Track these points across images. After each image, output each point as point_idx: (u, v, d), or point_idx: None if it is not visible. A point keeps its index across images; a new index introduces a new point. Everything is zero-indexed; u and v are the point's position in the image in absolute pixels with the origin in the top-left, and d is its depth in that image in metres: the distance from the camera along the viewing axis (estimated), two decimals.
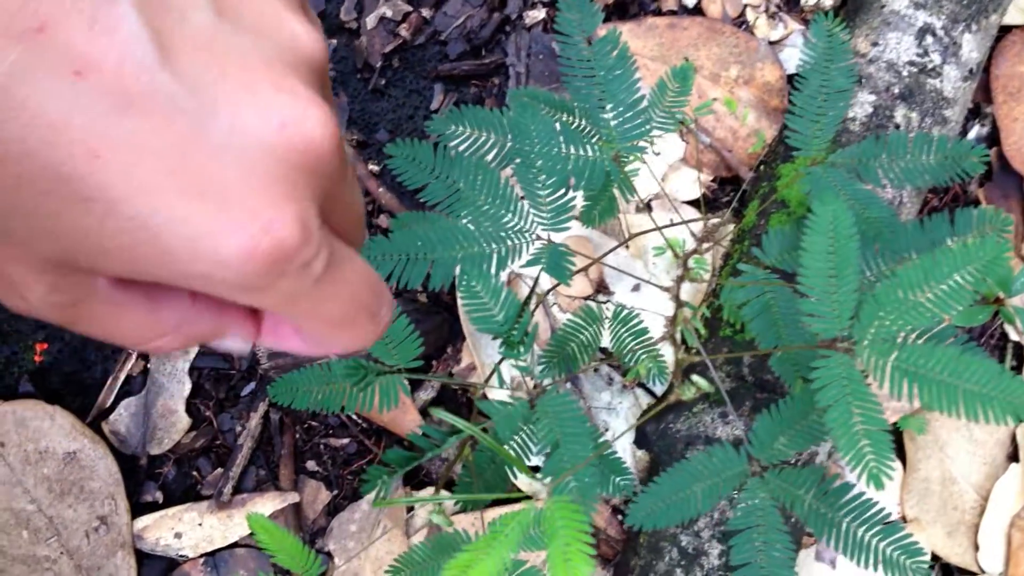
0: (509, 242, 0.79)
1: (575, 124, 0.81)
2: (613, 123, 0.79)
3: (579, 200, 0.84)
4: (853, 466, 0.61)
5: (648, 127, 0.80)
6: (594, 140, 0.80)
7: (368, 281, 0.42)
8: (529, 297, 0.79)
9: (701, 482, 0.76)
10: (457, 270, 0.79)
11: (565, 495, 0.61)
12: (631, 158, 0.80)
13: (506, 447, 0.81)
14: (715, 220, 0.89)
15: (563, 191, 0.78)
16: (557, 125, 0.78)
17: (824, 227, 0.62)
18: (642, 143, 0.81)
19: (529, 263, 0.79)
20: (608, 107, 0.79)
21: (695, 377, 0.78)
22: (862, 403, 0.61)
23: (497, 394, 1.07)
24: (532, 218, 0.80)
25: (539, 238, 0.80)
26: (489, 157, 0.79)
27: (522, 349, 0.78)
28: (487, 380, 0.88)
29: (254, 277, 0.36)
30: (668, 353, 0.94)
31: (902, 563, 0.74)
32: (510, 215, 0.79)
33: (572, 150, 0.78)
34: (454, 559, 0.50)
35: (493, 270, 0.78)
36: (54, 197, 0.34)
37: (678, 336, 0.80)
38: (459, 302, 1.08)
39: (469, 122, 0.80)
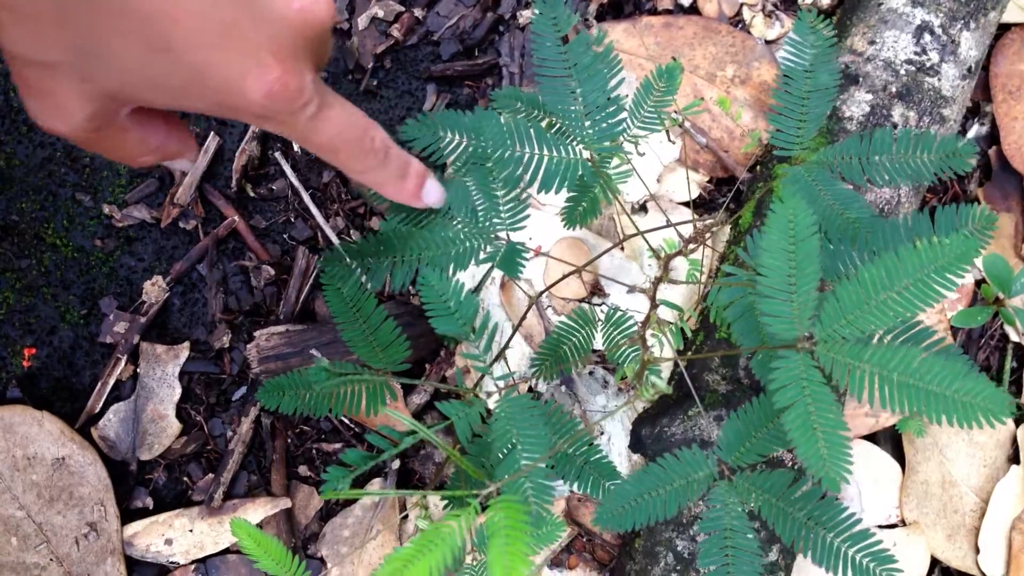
0: (468, 243, 0.78)
1: (557, 125, 0.80)
2: (587, 123, 0.78)
3: (561, 201, 0.83)
4: (810, 468, 0.60)
5: (624, 127, 0.79)
6: (571, 142, 0.79)
7: (347, 120, 0.61)
8: (480, 284, 0.78)
9: (668, 484, 0.75)
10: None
11: (515, 496, 0.60)
12: (610, 158, 0.79)
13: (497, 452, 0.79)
14: (708, 221, 0.88)
15: (518, 190, 0.78)
16: (532, 131, 0.78)
17: (782, 225, 0.61)
18: (624, 143, 0.80)
19: (484, 260, 0.79)
20: (583, 106, 0.78)
21: (653, 378, 0.77)
22: (820, 405, 0.60)
23: (491, 399, 1.06)
24: (490, 218, 0.79)
25: (498, 237, 0.80)
26: (460, 160, 0.79)
27: (481, 346, 0.78)
28: (477, 383, 0.87)
29: (269, 110, 0.55)
30: (666, 353, 0.92)
31: (872, 570, 0.72)
32: (476, 216, 0.80)
33: (547, 151, 0.78)
34: (393, 555, 0.49)
35: (451, 271, 0.78)
36: (136, 45, 0.50)
37: (649, 338, 0.79)
38: None
39: (441, 126, 0.79)
